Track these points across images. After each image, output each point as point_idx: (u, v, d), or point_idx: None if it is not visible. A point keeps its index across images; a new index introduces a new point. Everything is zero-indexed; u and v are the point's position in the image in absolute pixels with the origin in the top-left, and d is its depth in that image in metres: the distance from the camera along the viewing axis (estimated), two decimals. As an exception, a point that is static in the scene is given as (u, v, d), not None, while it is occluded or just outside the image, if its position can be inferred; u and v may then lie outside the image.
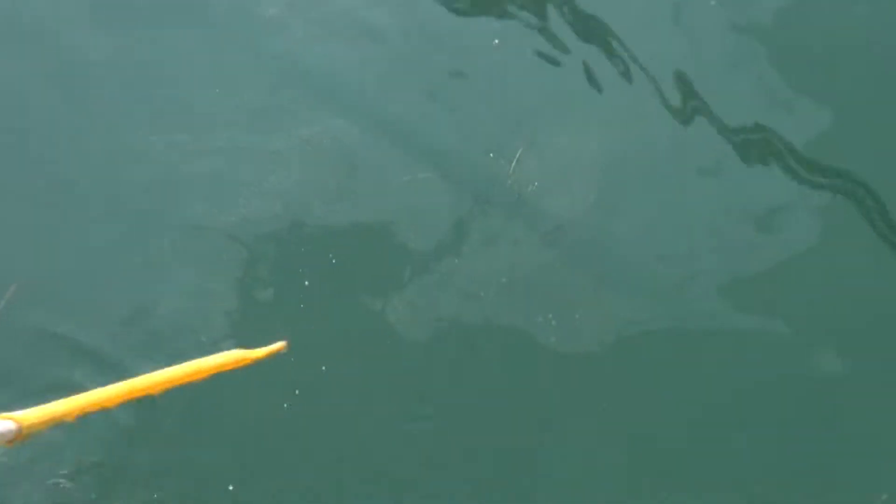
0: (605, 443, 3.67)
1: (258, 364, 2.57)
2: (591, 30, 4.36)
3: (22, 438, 2.04)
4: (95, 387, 2.32)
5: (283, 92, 4.24)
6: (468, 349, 3.86)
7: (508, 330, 3.87)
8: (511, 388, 3.80)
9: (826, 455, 3.63)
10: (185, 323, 3.82)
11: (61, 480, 3.47)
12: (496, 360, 3.85)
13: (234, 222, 3.99)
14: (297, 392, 3.70)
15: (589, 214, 4.07)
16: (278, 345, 2.65)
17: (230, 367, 2.52)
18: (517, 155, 4.13)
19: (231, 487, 3.53)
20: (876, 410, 3.69)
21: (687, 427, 3.71)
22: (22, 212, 3.97)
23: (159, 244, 3.93)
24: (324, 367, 3.74)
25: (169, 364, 2.44)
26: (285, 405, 3.67)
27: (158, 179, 4.05)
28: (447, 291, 3.93)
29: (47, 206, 3.98)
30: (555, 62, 4.37)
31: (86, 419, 2.25)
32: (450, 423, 3.71)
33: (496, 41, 4.38)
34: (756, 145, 4.13)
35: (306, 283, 3.90)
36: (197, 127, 4.13)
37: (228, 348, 2.67)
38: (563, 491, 3.59)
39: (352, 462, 3.65)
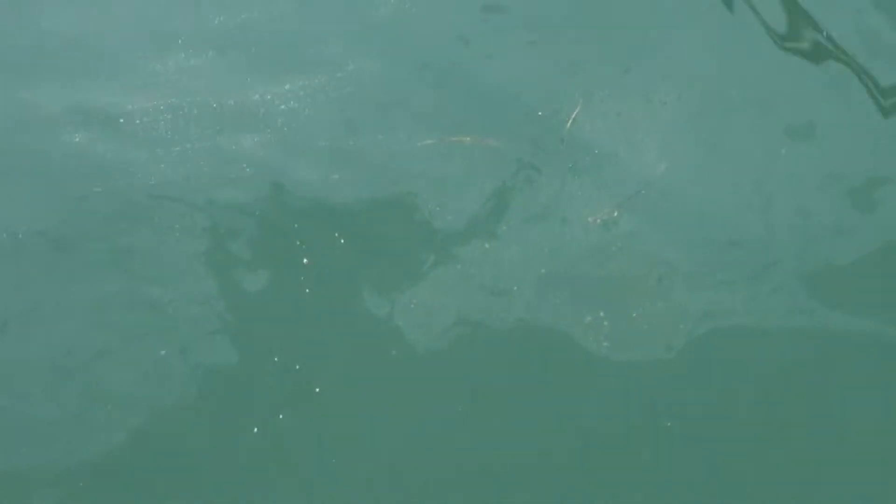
0: (668, 469, 3.43)
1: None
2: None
3: None
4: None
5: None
6: (497, 359, 3.63)
7: (548, 333, 3.63)
8: (552, 405, 3.55)
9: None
10: (146, 320, 3.58)
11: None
12: (533, 372, 3.61)
13: (176, 181, 3.79)
14: (280, 417, 3.43)
15: (656, 188, 3.84)
16: None
17: None
18: (573, 114, 3.93)
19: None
20: None
21: (767, 445, 3.48)
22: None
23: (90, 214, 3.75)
24: (317, 389, 3.49)
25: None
26: (255, 429, 3.41)
27: (75, 146, 3.87)
28: (472, 285, 3.67)
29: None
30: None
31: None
32: (472, 452, 3.46)
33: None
34: (853, 99, 3.93)
35: (304, 259, 3.66)
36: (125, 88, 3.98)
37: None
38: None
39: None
